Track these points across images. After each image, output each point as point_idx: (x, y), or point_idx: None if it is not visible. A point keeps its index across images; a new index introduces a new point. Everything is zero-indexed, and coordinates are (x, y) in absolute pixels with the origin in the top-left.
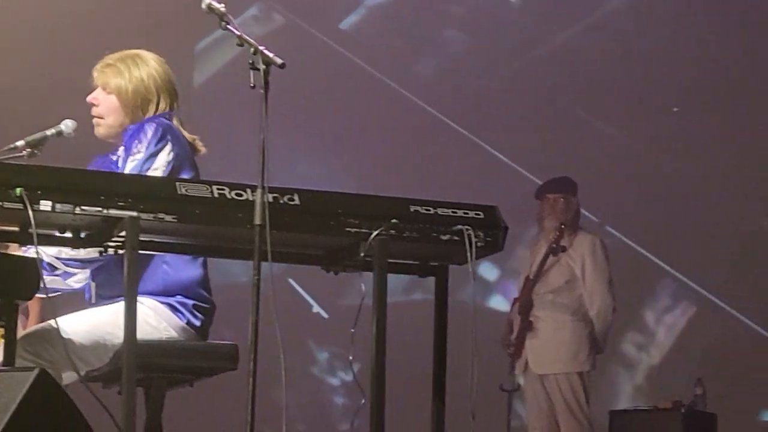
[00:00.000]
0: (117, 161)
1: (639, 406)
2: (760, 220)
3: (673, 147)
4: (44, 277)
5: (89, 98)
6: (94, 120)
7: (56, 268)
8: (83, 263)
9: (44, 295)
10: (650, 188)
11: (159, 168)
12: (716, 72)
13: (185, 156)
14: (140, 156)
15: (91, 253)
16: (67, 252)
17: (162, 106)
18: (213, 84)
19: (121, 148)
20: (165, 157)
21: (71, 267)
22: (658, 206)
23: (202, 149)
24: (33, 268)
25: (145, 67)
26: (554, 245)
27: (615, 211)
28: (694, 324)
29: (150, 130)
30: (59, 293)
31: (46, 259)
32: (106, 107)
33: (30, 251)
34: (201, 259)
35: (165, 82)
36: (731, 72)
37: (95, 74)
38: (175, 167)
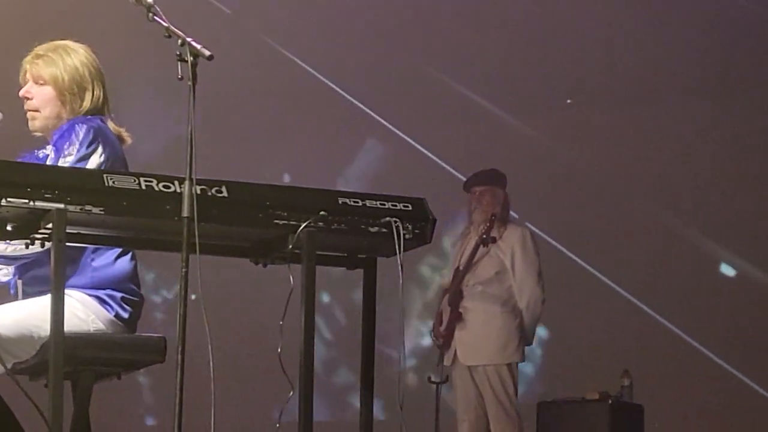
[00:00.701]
0: (45, 159)
1: (566, 398)
2: (667, 218)
3: (581, 141)
4: None
5: (22, 93)
6: (29, 114)
7: None
8: (8, 260)
9: None
10: (564, 183)
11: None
12: (622, 66)
13: (116, 158)
14: (71, 158)
15: (17, 249)
16: None
17: (96, 93)
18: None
19: (50, 147)
20: (96, 159)
21: None
22: (572, 202)
23: (129, 140)
24: None
25: (77, 55)
26: (484, 236)
27: (530, 206)
28: (616, 318)
29: (81, 132)
30: None
31: None
32: (41, 99)
33: None
34: (130, 253)
35: (96, 71)
36: (640, 68)
37: (27, 67)
38: (106, 169)
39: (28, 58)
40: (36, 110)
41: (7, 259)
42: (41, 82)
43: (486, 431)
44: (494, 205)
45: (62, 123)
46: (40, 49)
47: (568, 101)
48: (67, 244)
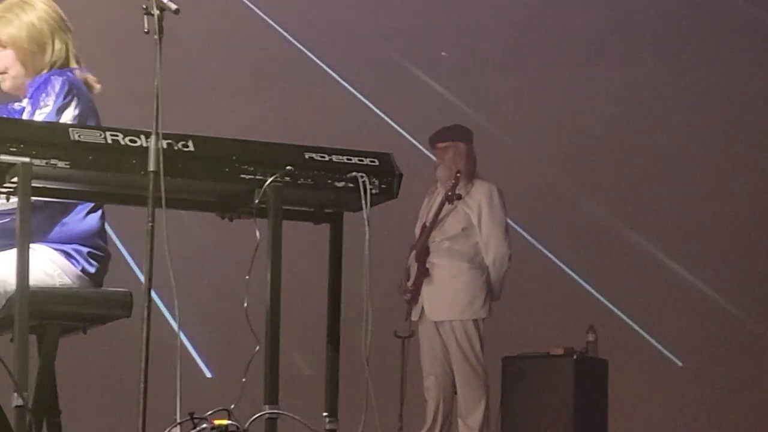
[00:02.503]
0: (21, 112)
1: (531, 353)
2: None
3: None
4: None
5: None
6: None
7: None
8: None
9: None
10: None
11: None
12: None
13: (90, 110)
14: (48, 110)
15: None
16: None
17: (58, 47)
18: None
19: (26, 100)
20: (71, 112)
21: None
22: None
23: (97, 86)
24: None
25: (33, 11)
26: (449, 193)
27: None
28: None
29: (57, 84)
30: None
31: None
32: (4, 61)
33: None
34: (99, 211)
35: (57, 22)
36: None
37: None
38: (80, 122)
39: None
40: (3, 72)
41: None
42: (1, 44)
43: (452, 386)
44: (457, 161)
45: (32, 78)
46: None
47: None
48: (34, 198)
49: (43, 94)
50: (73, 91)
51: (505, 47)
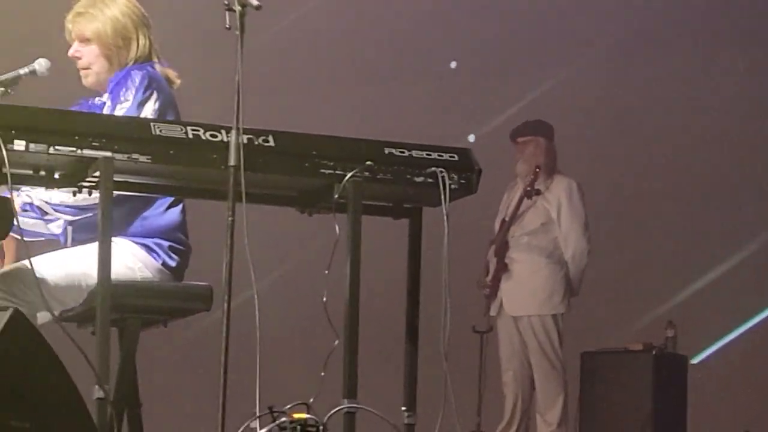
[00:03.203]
0: (102, 107)
1: (610, 348)
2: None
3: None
4: (27, 220)
5: (71, 53)
6: (82, 72)
7: (47, 213)
8: (75, 209)
9: (19, 236)
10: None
11: (147, 117)
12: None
13: (169, 103)
14: (128, 104)
15: (80, 200)
16: (58, 197)
17: (142, 42)
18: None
19: (106, 95)
20: (152, 106)
21: (62, 213)
22: None
23: (177, 80)
24: (6, 208)
25: (116, 5)
26: (528, 188)
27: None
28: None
29: (137, 78)
30: (40, 239)
31: (35, 202)
32: (89, 57)
33: (21, 193)
34: (180, 205)
35: (139, 17)
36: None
37: (69, 26)
38: (160, 116)
39: (69, 16)
40: (87, 68)
41: (73, 209)
42: (86, 39)
43: (530, 381)
44: (537, 156)
45: (113, 73)
46: (79, 6)
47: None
48: (116, 192)
49: (124, 89)
50: (153, 85)
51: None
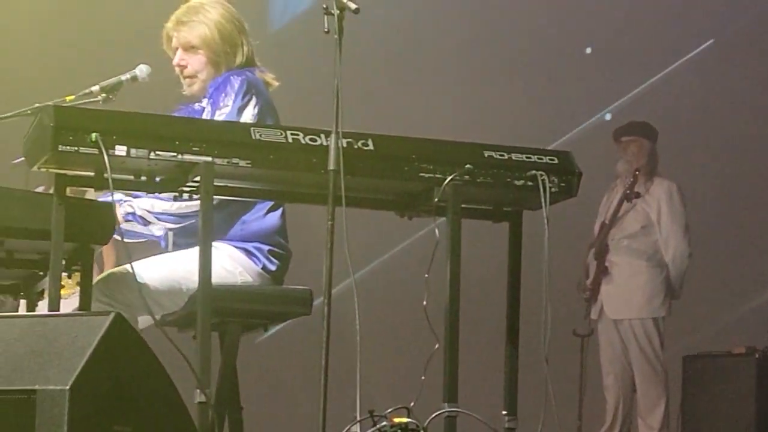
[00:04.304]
0: (200, 112)
1: (712, 351)
2: None
3: None
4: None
5: (176, 62)
6: (187, 80)
7: (149, 222)
8: (177, 217)
9: (120, 238)
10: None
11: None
12: None
13: (268, 108)
14: (228, 110)
15: (182, 208)
16: (160, 206)
17: (246, 48)
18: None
19: (206, 100)
20: (251, 111)
21: (165, 221)
22: None
23: (275, 83)
24: (108, 213)
25: (216, 10)
26: (628, 191)
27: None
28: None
29: (236, 84)
30: (141, 239)
31: (138, 212)
32: (196, 65)
33: (124, 203)
34: (280, 209)
35: (240, 23)
36: None
37: (171, 35)
38: (260, 120)
39: (170, 25)
40: (193, 76)
41: (174, 217)
42: (192, 47)
43: (631, 385)
44: (639, 158)
45: (214, 78)
46: (180, 15)
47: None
48: (216, 197)
49: (223, 94)
50: (252, 90)
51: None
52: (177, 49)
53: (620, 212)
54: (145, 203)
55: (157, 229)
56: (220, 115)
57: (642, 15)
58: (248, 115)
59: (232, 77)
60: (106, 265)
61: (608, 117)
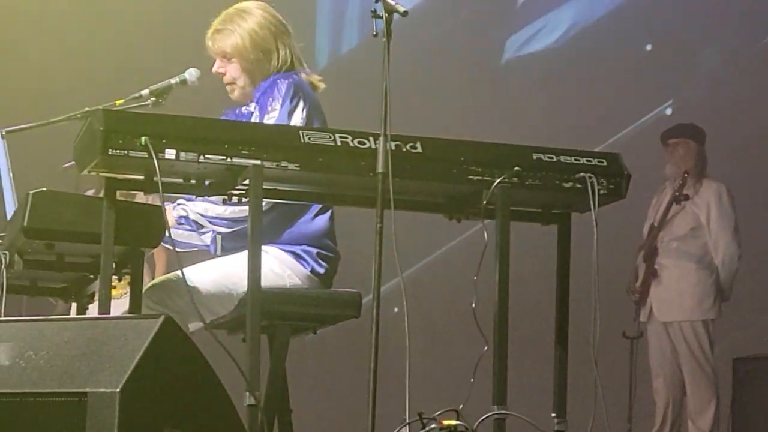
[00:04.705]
0: (249, 116)
1: (763, 354)
2: None
3: None
4: (182, 232)
5: (214, 70)
6: (228, 87)
7: (202, 226)
8: (230, 222)
9: (170, 247)
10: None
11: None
12: None
13: (315, 110)
14: (276, 114)
15: (235, 212)
16: (213, 210)
17: (282, 52)
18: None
19: (253, 104)
20: (299, 114)
21: (217, 225)
22: None
23: (321, 85)
24: (158, 217)
25: (252, 18)
26: (677, 194)
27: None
28: None
29: (283, 87)
30: (193, 249)
31: (191, 216)
32: (232, 73)
33: (177, 206)
34: (328, 212)
35: (277, 26)
36: None
37: (209, 44)
38: (308, 123)
39: (209, 33)
40: (232, 83)
41: (227, 221)
42: (228, 56)
43: (681, 387)
44: (687, 160)
45: (258, 84)
46: (217, 23)
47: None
48: (264, 200)
49: (270, 99)
50: (299, 93)
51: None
52: (217, 56)
53: (669, 214)
54: (199, 207)
55: (208, 238)
56: (269, 120)
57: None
58: (297, 119)
59: (279, 81)
60: (156, 266)
61: (669, 112)
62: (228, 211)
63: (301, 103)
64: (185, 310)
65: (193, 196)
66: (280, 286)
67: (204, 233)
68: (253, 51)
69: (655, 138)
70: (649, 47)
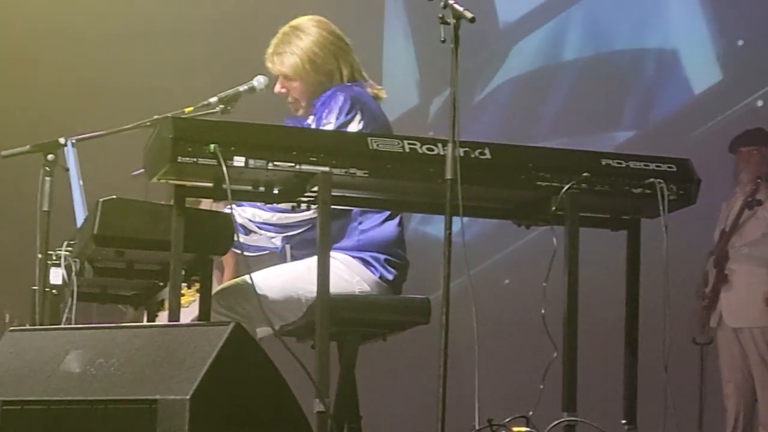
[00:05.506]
0: (309, 126)
1: None
2: None
3: None
4: (252, 236)
5: (276, 90)
6: (291, 105)
7: (250, 231)
8: (278, 228)
9: (240, 251)
10: None
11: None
12: None
13: (375, 122)
14: (329, 127)
15: (282, 218)
16: (261, 216)
17: (345, 71)
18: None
19: (311, 117)
20: (355, 127)
21: (266, 231)
22: None
23: (383, 95)
24: (227, 224)
25: (308, 37)
26: (749, 199)
27: None
28: None
29: (341, 99)
30: (264, 252)
31: (239, 220)
32: (294, 93)
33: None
34: (397, 218)
35: (336, 44)
36: None
37: (269, 65)
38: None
39: (268, 54)
40: (295, 102)
41: (275, 227)
42: (288, 77)
43: (752, 393)
44: (761, 166)
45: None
46: (275, 44)
47: None
48: (332, 206)
49: (326, 111)
50: (357, 106)
51: None
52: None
53: (741, 220)
54: (248, 213)
55: (276, 240)
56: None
57: None
58: (351, 131)
59: (337, 93)
60: (225, 272)
61: (760, 104)
62: (275, 217)
63: (358, 116)
64: (253, 315)
65: (246, 203)
66: (349, 292)
67: (273, 237)
68: (313, 73)
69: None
70: (740, 42)
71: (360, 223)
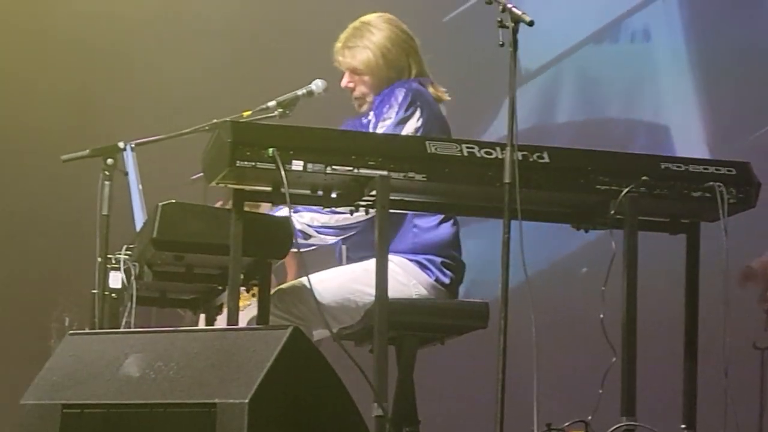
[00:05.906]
0: (368, 125)
1: None
2: None
3: None
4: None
5: (344, 84)
6: (357, 101)
7: (309, 236)
8: (337, 230)
9: (295, 250)
10: None
11: (408, 134)
12: None
13: (435, 120)
14: (389, 122)
15: (340, 221)
16: (319, 219)
17: (414, 69)
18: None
19: (371, 113)
20: (414, 123)
21: (324, 234)
22: None
23: (446, 97)
24: (286, 228)
25: (380, 32)
26: None
27: None
28: None
29: (400, 96)
30: (313, 248)
31: (298, 226)
32: (364, 88)
33: (280, 211)
34: (452, 219)
35: (406, 42)
36: None
37: (339, 59)
38: (425, 132)
39: (337, 47)
40: (361, 98)
41: (335, 230)
42: (358, 71)
43: None
44: None
45: (377, 96)
46: (345, 38)
47: None
48: (390, 210)
49: (387, 106)
50: (417, 102)
51: None
52: (345, 69)
53: None
54: (305, 217)
55: (328, 238)
56: (381, 127)
57: None
58: (410, 128)
59: (397, 89)
60: (288, 274)
61: None
62: (333, 219)
63: (418, 112)
64: (310, 317)
65: (302, 207)
66: (406, 296)
67: (330, 241)
68: (385, 68)
69: None
70: None
71: (415, 226)
